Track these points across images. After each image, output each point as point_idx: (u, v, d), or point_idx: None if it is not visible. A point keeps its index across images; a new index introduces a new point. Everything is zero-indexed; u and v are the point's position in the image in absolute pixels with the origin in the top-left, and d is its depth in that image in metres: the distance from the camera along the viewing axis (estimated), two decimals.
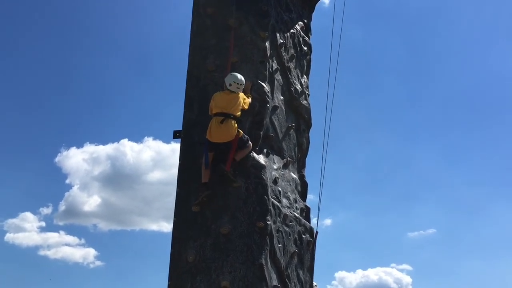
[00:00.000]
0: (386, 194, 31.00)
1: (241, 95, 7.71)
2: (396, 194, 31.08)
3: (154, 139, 30.99)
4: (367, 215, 30.56)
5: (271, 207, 7.51)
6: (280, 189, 8.01)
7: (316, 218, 8.84)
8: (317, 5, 10.33)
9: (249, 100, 7.83)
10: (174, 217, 7.62)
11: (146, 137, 33.65)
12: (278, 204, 7.78)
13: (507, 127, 31.06)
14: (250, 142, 7.66)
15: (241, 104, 7.62)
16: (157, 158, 31.01)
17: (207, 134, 7.51)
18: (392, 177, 31.16)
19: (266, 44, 8.36)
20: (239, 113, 7.59)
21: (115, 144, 31.00)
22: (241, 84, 7.68)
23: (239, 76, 7.70)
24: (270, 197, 7.55)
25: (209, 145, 7.51)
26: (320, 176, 9.13)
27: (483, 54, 32.03)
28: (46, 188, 30.89)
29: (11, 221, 28.87)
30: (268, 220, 7.35)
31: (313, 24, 10.18)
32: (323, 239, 9.18)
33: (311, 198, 9.47)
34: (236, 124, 7.51)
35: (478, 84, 32.04)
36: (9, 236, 27.90)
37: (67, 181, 30.56)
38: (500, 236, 28.49)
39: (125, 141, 30.37)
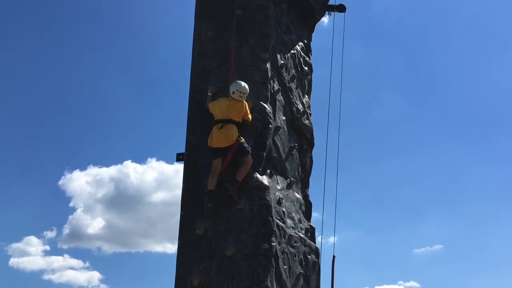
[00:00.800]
0: (391, 211, 30.77)
1: (246, 104, 7.75)
2: (401, 210, 30.85)
3: (157, 160, 31.03)
4: (373, 233, 30.36)
5: (275, 228, 7.48)
6: (284, 209, 7.99)
7: (321, 237, 8.81)
8: (316, 25, 10.42)
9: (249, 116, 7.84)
10: (178, 240, 7.59)
11: (149, 158, 33.71)
12: (282, 225, 7.75)
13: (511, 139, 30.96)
14: (250, 153, 7.56)
15: (245, 113, 7.67)
16: (161, 179, 30.99)
17: (208, 141, 7.57)
18: (396, 193, 30.97)
19: (267, 65, 8.39)
20: (240, 119, 7.63)
21: (119, 166, 30.99)
22: (244, 93, 7.70)
23: (243, 84, 7.72)
24: (274, 218, 7.53)
25: (212, 152, 7.54)
26: (324, 195, 9.13)
27: (483, 68, 32.06)
28: (50, 212, 30.82)
29: (15, 245, 28.78)
30: (273, 242, 7.32)
31: (313, 44, 10.26)
32: (329, 257, 9.15)
33: (316, 216, 9.45)
34: (237, 130, 7.54)
35: (480, 97, 31.99)
36: (13, 261, 27.86)
37: (71, 204, 30.51)
38: (508, 251, 28.22)
39: (128, 163, 30.35)
